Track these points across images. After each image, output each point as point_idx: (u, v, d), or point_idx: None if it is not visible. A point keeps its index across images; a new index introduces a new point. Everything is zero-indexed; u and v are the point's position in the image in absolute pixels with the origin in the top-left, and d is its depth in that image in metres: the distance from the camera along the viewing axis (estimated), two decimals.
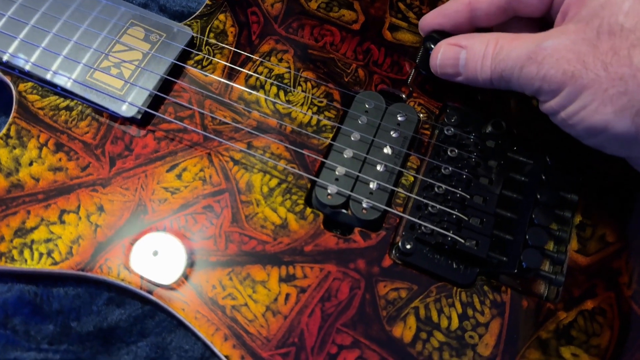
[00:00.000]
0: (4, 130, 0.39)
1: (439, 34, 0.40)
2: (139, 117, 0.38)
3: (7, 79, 0.40)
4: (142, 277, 0.35)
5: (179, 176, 0.38)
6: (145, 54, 0.40)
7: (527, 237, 0.35)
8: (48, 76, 0.39)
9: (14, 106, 0.39)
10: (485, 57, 0.35)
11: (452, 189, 0.37)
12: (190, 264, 0.35)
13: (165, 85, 0.40)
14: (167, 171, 0.38)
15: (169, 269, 0.35)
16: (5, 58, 0.39)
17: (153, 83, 0.39)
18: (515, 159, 0.38)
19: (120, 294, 0.36)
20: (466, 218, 0.36)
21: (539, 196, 0.36)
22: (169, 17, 0.49)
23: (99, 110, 0.39)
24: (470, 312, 0.35)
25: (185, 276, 0.35)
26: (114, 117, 0.39)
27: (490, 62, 0.35)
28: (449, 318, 0.35)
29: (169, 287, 0.35)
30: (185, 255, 0.36)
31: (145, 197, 0.37)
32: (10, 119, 0.39)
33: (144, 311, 0.36)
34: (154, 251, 0.36)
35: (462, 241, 0.35)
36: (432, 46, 0.39)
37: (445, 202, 0.37)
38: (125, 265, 0.35)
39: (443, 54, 0.38)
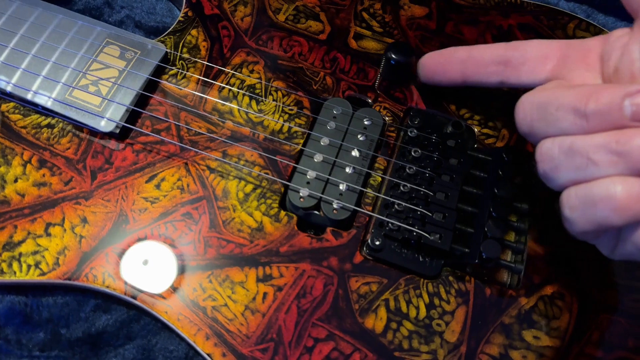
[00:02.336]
0: None
1: (400, 45, 0.42)
2: (117, 131, 0.40)
3: None
4: (132, 286, 0.37)
5: (157, 186, 0.40)
6: (121, 71, 0.42)
7: (486, 229, 0.37)
8: (29, 96, 0.41)
9: None
10: None
11: (417, 187, 0.39)
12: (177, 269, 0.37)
13: (141, 100, 0.42)
14: (146, 182, 0.40)
15: (159, 279, 0.37)
16: None
17: (130, 98, 0.41)
18: (475, 157, 0.41)
19: (106, 300, 0.38)
20: (430, 214, 0.38)
21: (496, 190, 0.39)
22: (145, 33, 0.51)
23: (79, 126, 0.41)
24: (437, 301, 0.37)
25: (171, 284, 0.37)
26: (94, 132, 0.41)
27: None
28: (417, 308, 0.37)
29: (158, 296, 0.37)
30: (176, 268, 0.37)
31: (126, 207, 0.39)
32: None
33: (129, 316, 0.38)
34: (144, 260, 0.38)
35: (427, 235, 0.38)
36: (393, 56, 0.41)
37: (411, 199, 0.39)
38: (110, 272, 0.37)
39: None
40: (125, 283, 0.37)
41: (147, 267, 0.37)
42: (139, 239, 0.38)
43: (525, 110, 0.32)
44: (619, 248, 0.31)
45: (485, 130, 0.42)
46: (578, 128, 0.29)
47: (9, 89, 0.41)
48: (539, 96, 0.32)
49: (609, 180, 0.28)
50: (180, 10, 0.47)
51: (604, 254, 0.33)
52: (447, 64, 0.40)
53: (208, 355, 0.35)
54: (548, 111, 0.31)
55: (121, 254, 0.38)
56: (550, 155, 0.31)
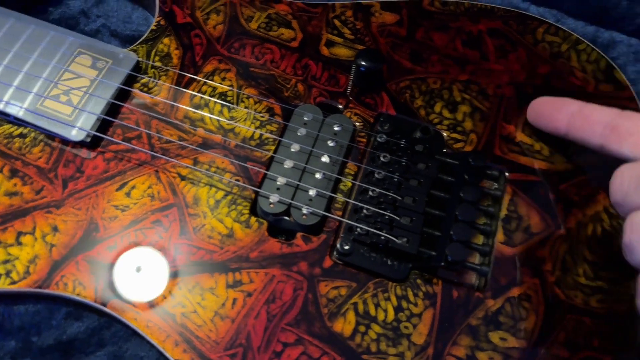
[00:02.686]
0: None
1: (370, 52, 0.43)
2: (89, 140, 0.41)
3: None
4: (102, 294, 0.37)
5: (128, 194, 0.40)
6: (92, 80, 0.42)
7: (452, 232, 0.38)
8: (0, 106, 0.41)
9: None
10: None
11: (385, 192, 0.40)
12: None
13: (113, 109, 0.42)
14: (117, 190, 0.40)
15: (128, 286, 0.37)
16: None
17: (100, 107, 0.41)
18: (442, 161, 0.41)
19: (77, 308, 0.39)
20: (398, 218, 0.39)
21: (462, 194, 0.39)
22: (121, 42, 0.51)
23: (51, 135, 0.42)
24: (404, 304, 0.38)
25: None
26: (66, 141, 0.41)
27: None
28: (385, 311, 0.37)
29: (128, 303, 0.37)
30: (145, 275, 0.38)
31: (96, 215, 0.39)
32: None
33: (100, 323, 0.39)
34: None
35: (395, 239, 0.38)
36: (363, 63, 0.42)
37: (379, 204, 0.40)
38: (80, 280, 0.37)
39: None
40: (96, 290, 0.37)
41: (117, 274, 0.38)
42: (109, 247, 0.38)
43: (624, 179, 0.33)
44: None
45: (454, 135, 0.43)
46: None
47: None
48: None
49: None
50: None
51: None
52: (555, 113, 0.40)
53: None
54: None
55: (92, 262, 0.38)
56: None
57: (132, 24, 0.52)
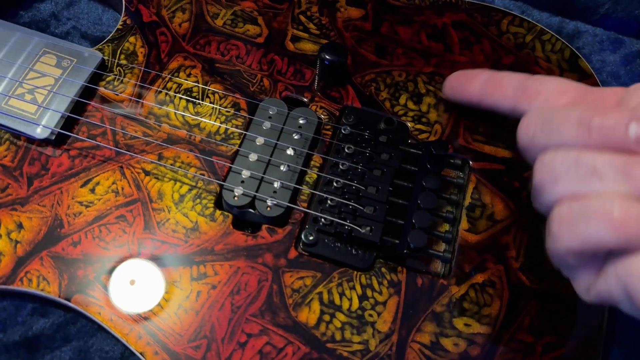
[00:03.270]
0: None
1: (334, 45, 0.43)
2: (53, 138, 0.41)
3: None
4: (65, 288, 0.37)
5: (92, 190, 0.40)
6: (57, 78, 0.42)
7: (414, 220, 0.38)
8: None
9: None
10: None
11: (349, 182, 0.40)
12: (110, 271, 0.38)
13: (78, 107, 0.42)
14: (81, 186, 0.40)
15: (92, 280, 0.38)
16: None
17: (65, 105, 0.41)
18: (405, 151, 0.41)
19: (44, 304, 0.39)
20: (362, 207, 0.39)
21: (424, 183, 0.40)
22: (91, 43, 0.52)
23: (16, 134, 0.42)
24: (369, 292, 0.38)
25: (103, 285, 0.38)
26: (31, 139, 0.42)
27: None
28: (350, 300, 0.38)
29: (92, 297, 0.37)
30: (109, 269, 0.38)
31: (61, 212, 0.39)
32: None
33: (66, 318, 0.39)
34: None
35: (358, 228, 0.38)
36: (327, 56, 0.42)
37: (343, 194, 0.40)
38: (44, 275, 0.38)
39: None
40: (60, 285, 0.37)
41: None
42: (73, 243, 0.39)
43: (530, 121, 0.33)
44: (598, 283, 0.30)
45: (418, 126, 0.43)
46: (579, 140, 0.29)
47: None
48: (546, 109, 0.32)
49: (609, 194, 0.27)
50: None
51: (579, 292, 0.32)
52: (468, 82, 0.41)
53: (140, 353, 0.36)
54: (553, 122, 0.31)
55: (56, 257, 0.38)
56: (552, 165, 0.30)
57: (102, 26, 0.52)
